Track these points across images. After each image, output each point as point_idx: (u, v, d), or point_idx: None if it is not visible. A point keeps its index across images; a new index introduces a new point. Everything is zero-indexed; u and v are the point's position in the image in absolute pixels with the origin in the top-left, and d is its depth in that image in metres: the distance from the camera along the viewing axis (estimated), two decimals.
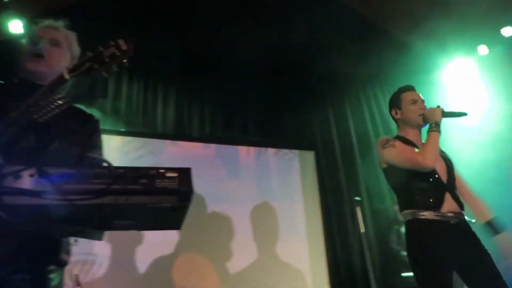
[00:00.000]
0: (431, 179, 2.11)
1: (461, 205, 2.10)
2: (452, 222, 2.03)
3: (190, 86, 4.29)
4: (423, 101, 2.30)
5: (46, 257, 1.25)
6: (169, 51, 3.96)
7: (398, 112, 2.33)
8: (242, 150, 4.12)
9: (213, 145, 4.01)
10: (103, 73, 1.23)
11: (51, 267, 1.25)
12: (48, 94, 1.23)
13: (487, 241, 2.05)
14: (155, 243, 3.34)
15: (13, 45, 2.87)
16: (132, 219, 1.17)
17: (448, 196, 2.08)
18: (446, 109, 2.21)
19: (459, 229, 2.03)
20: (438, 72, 4.51)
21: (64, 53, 1.50)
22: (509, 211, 3.72)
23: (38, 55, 1.40)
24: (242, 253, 3.65)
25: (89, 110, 1.58)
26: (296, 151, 4.32)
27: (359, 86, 4.88)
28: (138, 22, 3.62)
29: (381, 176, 4.44)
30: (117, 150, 3.53)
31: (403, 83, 4.67)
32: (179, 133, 4.04)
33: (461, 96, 4.26)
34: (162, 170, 1.10)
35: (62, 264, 1.31)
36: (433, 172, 2.11)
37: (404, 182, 2.18)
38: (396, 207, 3.88)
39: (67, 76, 1.22)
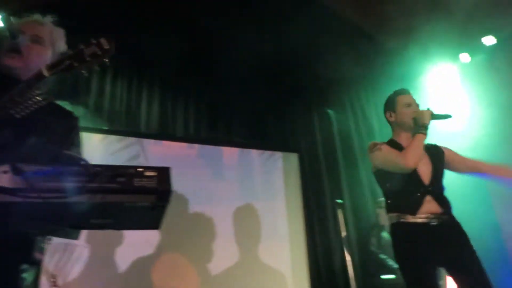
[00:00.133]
0: (412, 182, 2.16)
1: (444, 206, 2.14)
2: (432, 224, 2.07)
3: (175, 85, 4.26)
4: (417, 105, 2.33)
5: (17, 256, 1.22)
6: (155, 50, 3.93)
7: (393, 115, 2.36)
8: (226, 151, 4.11)
9: (196, 146, 3.99)
10: (83, 71, 1.22)
11: (24, 266, 1.23)
12: (26, 90, 1.20)
13: (473, 238, 2.10)
14: (135, 243, 3.30)
15: None
16: (109, 218, 1.15)
17: (429, 198, 2.12)
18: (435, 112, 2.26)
19: (441, 230, 2.07)
20: (421, 78, 4.58)
21: (44, 51, 1.46)
22: (484, 215, 3.83)
23: (15, 51, 1.38)
24: (224, 254, 3.63)
25: (71, 108, 1.55)
26: (280, 153, 4.34)
27: (344, 90, 4.92)
28: (124, 19, 3.58)
29: (363, 179, 4.55)
30: (98, 148, 3.48)
31: (387, 88, 4.71)
32: (162, 133, 4.01)
33: (444, 102, 4.34)
34: (140, 169, 1.09)
35: (35, 263, 1.28)
36: (415, 175, 2.16)
37: (391, 186, 2.25)
38: (379, 211, 3.93)
39: (46, 73, 1.20)
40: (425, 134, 2.18)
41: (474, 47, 4.24)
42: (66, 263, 3.06)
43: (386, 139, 2.41)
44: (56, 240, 1.39)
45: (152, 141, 3.81)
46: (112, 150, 3.54)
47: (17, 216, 1.02)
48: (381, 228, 3.93)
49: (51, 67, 1.21)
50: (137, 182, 1.08)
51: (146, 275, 3.26)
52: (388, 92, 2.54)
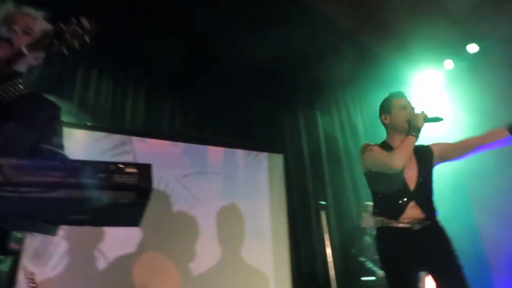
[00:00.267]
0: (398, 187, 2.18)
1: (427, 212, 2.16)
2: (414, 229, 2.11)
3: (161, 83, 4.23)
4: (412, 108, 2.34)
5: None
6: (141, 46, 3.91)
7: (388, 117, 2.36)
8: (211, 150, 4.09)
9: (181, 144, 3.97)
10: (63, 50, 1.20)
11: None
12: (4, 69, 1.19)
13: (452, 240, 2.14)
14: (116, 241, 3.26)
15: None
16: (88, 214, 1.14)
17: (413, 204, 2.15)
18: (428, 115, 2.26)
19: (423, 235, 2.10)
20: (408, 83, 4.65)
21: None
22: (464, 218, 3.90)
23: (5, 40, 1.36)
24: (206, 253, 3.62)
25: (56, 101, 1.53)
26: (265, 154, 4.34)
27: (331, 93, 4.97)
28: (110, 15, 3.54)
29: (347, 181, 4.59)
30: (82, 144, 3.43)
31: (373, 93, 4.78)
32: (148, 130, 3.97)
33: (428, 108, 4.41)
34: (121, 165, 1.08)
35: (10, 253, 1.26)
36: (401, 180, 2.18)
37: (379, 189, 2.28)
38: (364, 214, 3.98)
39: (25, 51, 1.19)
40: (416, 136, 2.19)
41: (458, 54, 4.33)
42: (43, 259, 3.01)
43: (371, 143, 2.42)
44: (34, 236, 1.37)
45: (136, 138, 3.77)
46: (95, 145, 3.49)
47: None
48: (363, 231, 3.98)
49: (31, 45, 1.20)
50: (117, 178, 1.06)
51: (127, 273, 3.23)
52: (375, 97, 2.57)
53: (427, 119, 2.23)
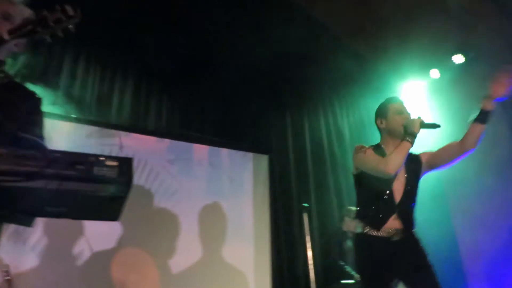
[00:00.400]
0: (384, 198, 2.20)
1: (406, 224, 2.19)
2: (393, 239, 2.15)
3: (149, 78, 4.19)
4: (408, 114, 2.34)
5: None
6: (131, 41, 3.87)
7: (383, 121, 2.36)
8: (196, 147, 4.08)
9: (167, 140, 3.94)
10: (46, 37, 1.18)
11: None
12: None
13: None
14: (96, 235, 3.21)
15: None
16: (66, 207, 1.12)
17: (394, 216, 2.18)
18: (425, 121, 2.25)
19: (400, 245, 2.14)
20: (395, 91, 4.71)
21: None
22: (441, 223, 3.96)
23: None
24: (186, 251, 3.60)
25: (40, 92, 1.50)
26: (251, 154, 4.34)
27: (318, 96, 4.99)
28: (100, 6, 3.49)
29: (331, 185, 4.62)
30: (67, 137, 3.37)
31: (360, 98, 4.81)
32: (133, 125, 3.93)
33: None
34: (102, 158, 1.07)
35: None
36: (389, 191, 2.20)
37: (365, 195, 2.30)
38: (346, 218, 4.00)
39: (6, 37, 1.17)
40: (412, 142, 2.17)
41: (444, 64, 4.40)
42: (20, 252, 2.95)
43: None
44: (10, 227, 1.34)
45: (121, 132, 3.73)
46: (79, 138, 3.44)
47: None
48: (344, 234, 4.00)
49: (12, 31, 1.18)
50: (97, 171, 1.05)
51: (105, 268, 3.19)
52: (361, 102, 2.59)
53: (423, 125, 2.22)
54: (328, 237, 4.28)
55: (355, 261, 2.28)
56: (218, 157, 4.15)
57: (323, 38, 4.20)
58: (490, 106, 2.14)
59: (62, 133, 3.32)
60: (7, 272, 2.61)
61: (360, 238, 2.24)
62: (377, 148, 2.33)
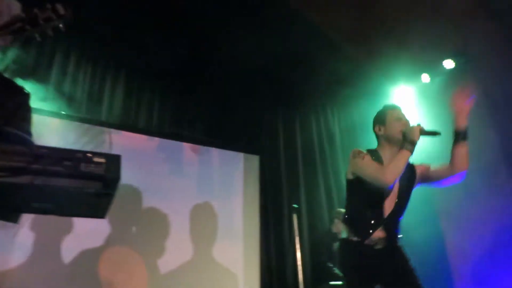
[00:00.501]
0: (375, 210, 2.18)
1: (391, 235, 2.19)
2: (376, 248, 2.16)
3: (140, 76, 4.17)
4: (407, 121, 2.30)
5: None
6: (123, 39, 3.85)
7: (382, 128, 2.31)
8: (187, 147, 4.07)
9: (157, 139, 3.93)
10: (36, 35, 1.16)
11: None
12: None
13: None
14: (84, 233, 3.19)
15: None
16: (52, 203, 1.11)
17: (381, 228, 2.18)
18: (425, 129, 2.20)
19: (383, 253, 2.16)
20: (387, 96, 4.75)
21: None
22: (429, 226, 3.99)
23: None
24: (176, 250, 3.59)
25: (28, 87, 1.48)
26: (241, 154, 4.34)
27: (310, 98, 5.01)
28: (93, 4, 3.47)
29: (321, 186, 4.64)
30: (57, 134, 3.35)
31: (352, 102, 4.82)
32: (124, 123, 3.90)
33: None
34: (89, 154, 1.06)
35: None
36: (380, 204, 2.18)
37: (355, 203, 2.28)
38: (336, 220, 4.02)
39: None
40: (411, 151, 2.11)
41: (435, 68, 4.45)
42: (7, 249, 2.91)
43: (347, 151, 2.42)
44: None
45: (112, 130, 3.71)
46: (68, 136, 3.41)
47: None
48: (334, 236, 4.02)
49: (0, 28, 1.16)
50: (84, 167, 1.04)
51: (92, 266, 3.16)
52: (354, 106, 2.58)
53: (423, 133, 2.16)
54: (317, 238, 4.29)
55: (339, 264, 2.29)
56: (208, 156, 4.14)
57: (317, 41, 4.21)
58: (464, 121, 2.17)
59: (51, 129, 3.29)
60: None
61: (344, 243, 2.26)
62: (373, 153, 2.28)
